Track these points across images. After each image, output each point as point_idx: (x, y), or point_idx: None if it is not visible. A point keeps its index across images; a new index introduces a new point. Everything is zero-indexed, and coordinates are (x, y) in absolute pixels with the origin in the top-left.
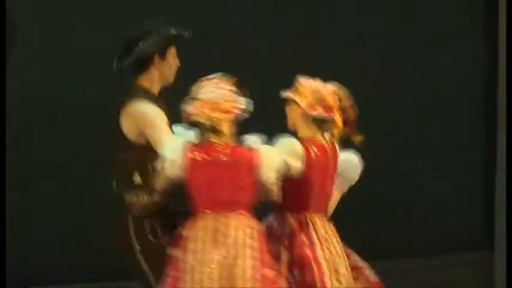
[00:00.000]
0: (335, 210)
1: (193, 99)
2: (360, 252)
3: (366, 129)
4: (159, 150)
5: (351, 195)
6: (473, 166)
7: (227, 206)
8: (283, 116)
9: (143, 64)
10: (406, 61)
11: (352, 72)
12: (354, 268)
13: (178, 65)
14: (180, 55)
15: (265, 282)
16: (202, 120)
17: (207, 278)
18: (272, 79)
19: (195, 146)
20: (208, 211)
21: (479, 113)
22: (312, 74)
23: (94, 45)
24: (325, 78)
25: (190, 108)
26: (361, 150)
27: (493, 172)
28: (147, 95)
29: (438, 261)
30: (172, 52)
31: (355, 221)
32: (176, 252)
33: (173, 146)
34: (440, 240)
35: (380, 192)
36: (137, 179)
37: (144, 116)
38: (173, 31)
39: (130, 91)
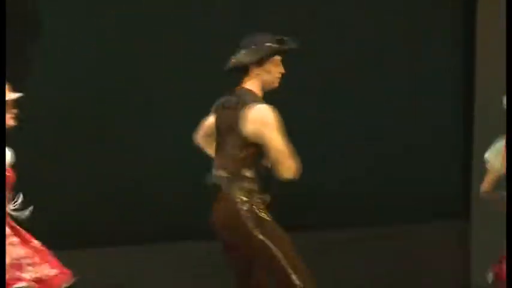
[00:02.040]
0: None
1: None
2: (338, 220)
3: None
4: (277, 158)
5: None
6: (450, 138)
7: None
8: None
9: (242, 71)
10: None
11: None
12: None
13: (283, 71)
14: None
15: None
16: None
17: None
18: None
19: None
20: None
21: (456, 92)
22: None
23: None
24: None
25: None
26: (344, 125)
27: (469, 144)
28: (258, 98)
29: (415, 229)
30: (273, 61)
31: (340, 190)
32: None
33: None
34: (417, 208)
35: (360, 162)
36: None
37: (268, 120)
38: (274, 45)
39: (239, 93)
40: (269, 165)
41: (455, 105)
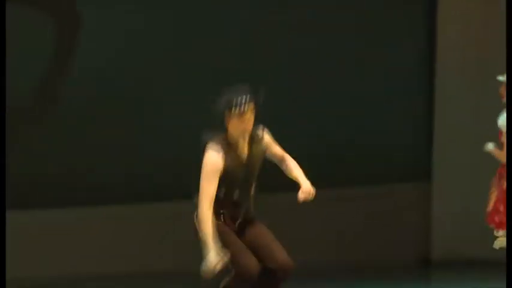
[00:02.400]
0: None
1: None
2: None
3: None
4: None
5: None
6: (415, 109)
7: None
8: None
9: (222, 115)
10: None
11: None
12: None
13: (243, 125)
14: None
15: None
16: None
17: None
18: None
19: None
20: None
21: (420, 69)
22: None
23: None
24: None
25: None
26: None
27: (431, 114)
28: (216, 142)
29: (381, 190)
30: (236, 113)
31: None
32: None
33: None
34: (383, 171)
35: (331, 129)
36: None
37: (203, 164)
38: (231, 102)
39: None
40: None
41: (420, 80)
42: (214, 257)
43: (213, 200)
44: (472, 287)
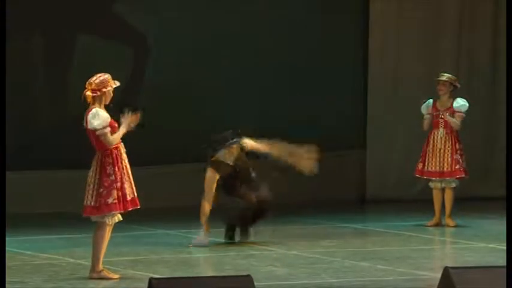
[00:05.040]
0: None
1: None
2: None
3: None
4: None
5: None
6: (353, 87)
7: None
8: None
9: None
10: None
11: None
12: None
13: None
14: None
15: None
16: None
17: None
18: None
19: None
20: None
21: (355, 52)
22: None
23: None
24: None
25: None
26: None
27: (365, 95)
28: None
29: (324, 157)
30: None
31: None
32: None
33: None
34: (326, 140)
35: (285, 106)
36: None
37: None
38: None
39: None
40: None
41: (355, 60)
42: None
43: None
44: (393, 218)
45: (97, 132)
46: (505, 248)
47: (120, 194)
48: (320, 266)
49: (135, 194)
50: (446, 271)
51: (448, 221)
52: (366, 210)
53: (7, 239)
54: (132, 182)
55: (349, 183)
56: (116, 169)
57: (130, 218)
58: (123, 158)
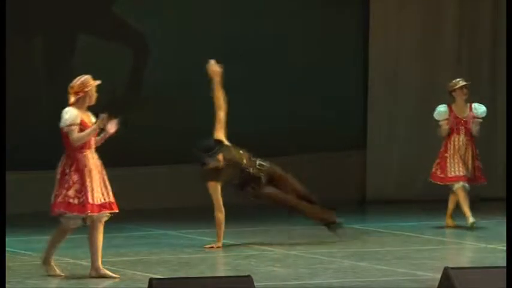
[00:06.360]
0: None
1: None
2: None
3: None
4: None
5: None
6: (353, 90)
7: None
8: None
9: None
10: None
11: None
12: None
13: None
14: None
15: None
16: None
17: None
18: None
19: None
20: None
21: (356, 52)
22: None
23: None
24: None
25: None
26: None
27: (365, 96)
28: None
29: (325, 157)
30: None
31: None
32: None
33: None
34: (325, 141)
35: (286, 108)
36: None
37: None
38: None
39: None
40: None
41: (356, 60)
42: None
43: None
44: (393, 218)
45: (64, 129)
46: (505, 248)
47: (77, 197)
48: (320, 266)
49: (111, 199)
50: (446, 271)
51: (449, 221)
52: (366, 210)
53: (7, 239)
54: (107, 187)
55: (349, 184)
56: (75, 172)
57: (131, 218)
58: (89, 164)
